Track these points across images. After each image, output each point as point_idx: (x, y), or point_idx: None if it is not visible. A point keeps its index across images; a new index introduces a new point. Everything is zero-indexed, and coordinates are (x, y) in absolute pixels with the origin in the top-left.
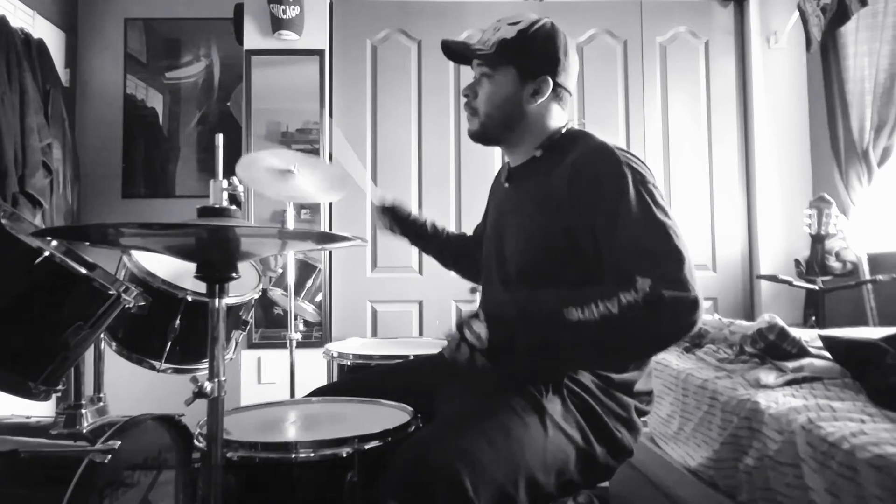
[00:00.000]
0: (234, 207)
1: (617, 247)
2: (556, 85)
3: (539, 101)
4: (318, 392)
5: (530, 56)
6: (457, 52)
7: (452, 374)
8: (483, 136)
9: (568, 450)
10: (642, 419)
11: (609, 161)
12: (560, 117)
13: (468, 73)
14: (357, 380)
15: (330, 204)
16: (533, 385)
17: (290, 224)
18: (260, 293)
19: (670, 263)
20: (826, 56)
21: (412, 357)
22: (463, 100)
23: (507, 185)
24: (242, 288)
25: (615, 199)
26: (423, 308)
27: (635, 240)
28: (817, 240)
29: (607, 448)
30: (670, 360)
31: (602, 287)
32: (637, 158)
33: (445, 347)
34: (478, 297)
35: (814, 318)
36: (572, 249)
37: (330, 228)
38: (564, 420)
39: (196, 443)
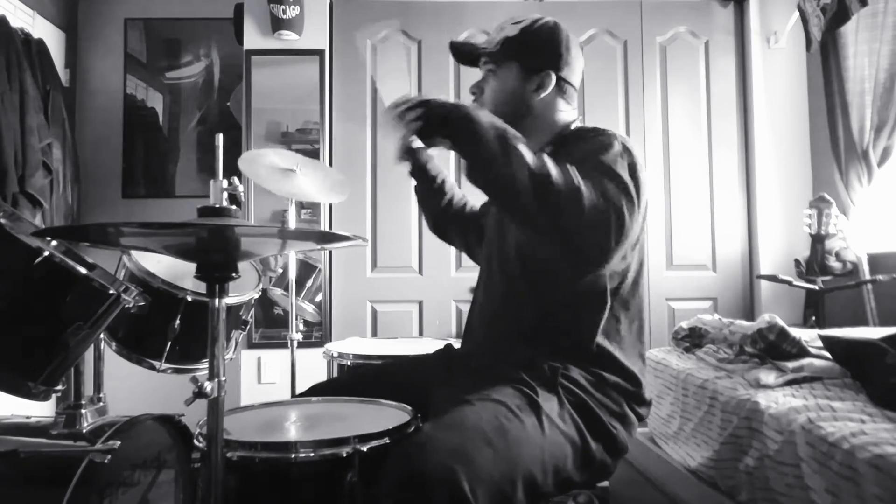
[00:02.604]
0: (234, 207)
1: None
2: (560, 79)
3: (542, 96)
4: (315, 388)
5: (532, 51)
6: (464, 52)
7: (447, 371)
8: None
9: (565, 447)
10: (642, 420)
11: (604, 133)
12: (568, 112)
13: (468, 73)
14: (354, 377)
15: (330, 204)
16: (526, 384)
17: (292, 224)
18: (260, 293)
19: (615, 187)
20: (826, 56)
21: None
22: (470, 97)
23: None
24: (242, 288)
25: (595, 149)
26: (423, 308)
27: (596, 159)
28: (817, 240)
29: (603, 444)
30: (670, 360)
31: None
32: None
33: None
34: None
35: (814, 318)
36: None
37: (330, 228)
38: (560, 418)
39: (196, 443)
